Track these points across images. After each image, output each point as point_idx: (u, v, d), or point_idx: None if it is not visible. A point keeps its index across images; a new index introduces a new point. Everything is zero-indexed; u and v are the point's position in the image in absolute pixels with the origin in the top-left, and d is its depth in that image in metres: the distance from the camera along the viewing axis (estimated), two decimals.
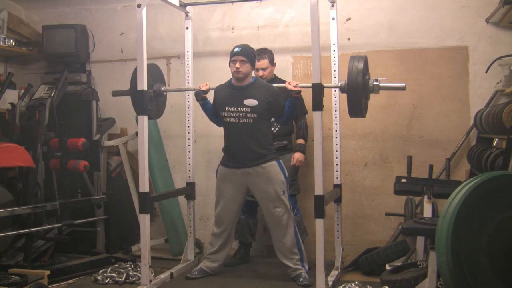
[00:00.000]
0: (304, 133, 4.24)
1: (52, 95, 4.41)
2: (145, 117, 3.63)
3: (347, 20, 4.52)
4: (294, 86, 3.63)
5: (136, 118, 3.69)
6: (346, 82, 3.45)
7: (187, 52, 4.33)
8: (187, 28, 4.33)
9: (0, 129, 4.63)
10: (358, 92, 3.42)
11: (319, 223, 3.32)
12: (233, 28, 4.82)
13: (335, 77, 3.96)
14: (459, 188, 2.29)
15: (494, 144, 3.86)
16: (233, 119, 3.77)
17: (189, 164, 4.33)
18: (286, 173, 3.83)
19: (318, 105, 3.33)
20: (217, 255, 3.96)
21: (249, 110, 3.72)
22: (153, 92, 3.94)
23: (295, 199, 4.22)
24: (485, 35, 4.25)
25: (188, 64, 4.32)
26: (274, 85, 3.89)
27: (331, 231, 4.03)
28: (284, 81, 4.31)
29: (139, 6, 3.54)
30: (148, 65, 3.70)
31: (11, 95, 4.61)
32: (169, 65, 4.98)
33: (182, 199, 4.55)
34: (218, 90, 3.91)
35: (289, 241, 3.77)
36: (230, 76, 3.84)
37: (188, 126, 4.32)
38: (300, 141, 4.22)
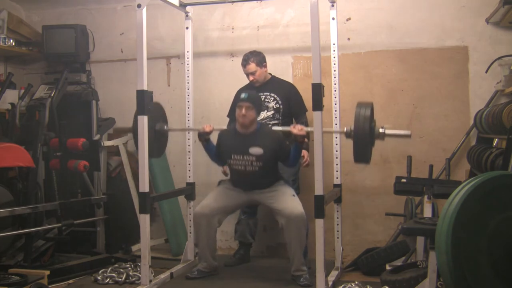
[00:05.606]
0: None
1: (52, 95, 4.40)
2: (145, 117, 3.61)
3: (347, 20, 4.51)
4: (299, 131, 3.58)
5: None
6: (352, 129, 3.40)
7: (187, 52, 4.33)
8: (187, 28, 4.33)
9: (0, 129, 4.63)
10: (365, 140, 3.37)
11: (319, 223, 3.33)
12: (233, 28, 4.82)
13: (335, 77, 3.95)
14: (459, 188, 2.28)
15: (494, 144, 3.86)
16: (239, 167, 3.78)
17: (189, 164, 4.32)
18: (292, 190, 3.86)
19: (318, 105, 3.32)
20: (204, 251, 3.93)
21: (254, 159, 3.72)
22: (156, 132, 3.86)
23: None
24: (485, 35, 4.25)
25: (188, 64, 4.32)
26: (278, 128, 3.89)
27: (331, 231, 4.02)
28: (283, 81, 4.33)
29: (139, 6, 3.54)
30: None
31: (11, 95, 4.61)
32: (169, 65, 4.98)
33: (182, 199, 4.54)
34: (222, 135, 3.92)
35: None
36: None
37: (188, 126, 4.32)
38: None
